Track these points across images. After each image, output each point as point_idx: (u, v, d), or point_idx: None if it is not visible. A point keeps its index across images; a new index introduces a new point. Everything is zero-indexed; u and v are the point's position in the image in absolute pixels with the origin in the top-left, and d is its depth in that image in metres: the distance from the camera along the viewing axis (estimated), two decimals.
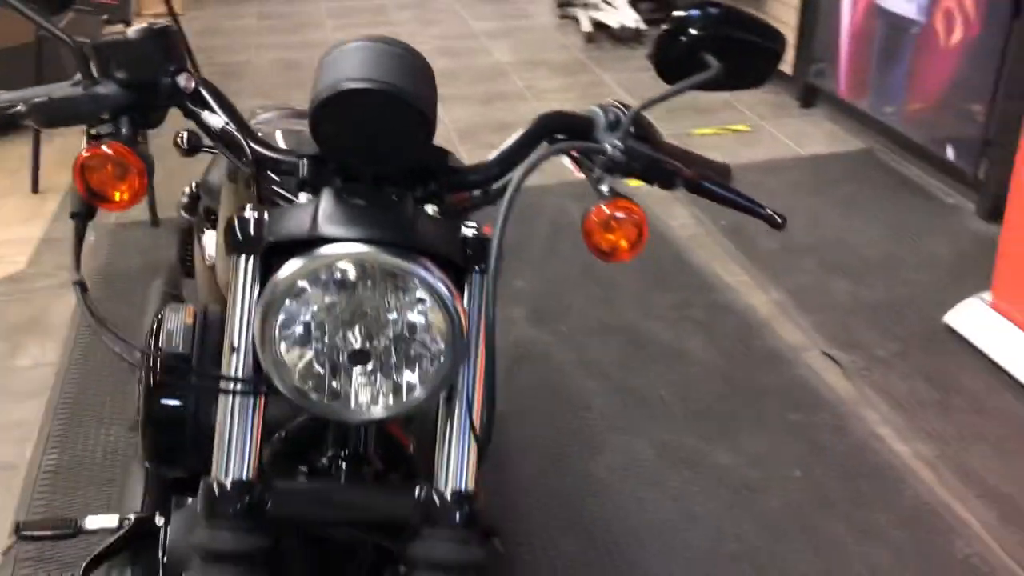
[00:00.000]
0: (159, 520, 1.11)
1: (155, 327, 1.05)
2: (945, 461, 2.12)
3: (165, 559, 1.06)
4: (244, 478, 0.87)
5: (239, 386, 0.86)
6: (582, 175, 0.98)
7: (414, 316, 0.85)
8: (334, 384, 0.85)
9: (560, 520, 1.95)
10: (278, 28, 5.91)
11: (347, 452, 0.98)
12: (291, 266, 0.83)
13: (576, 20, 5.66)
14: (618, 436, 2.20)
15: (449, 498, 0.88)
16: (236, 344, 0.87)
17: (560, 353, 2.52)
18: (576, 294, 2.78)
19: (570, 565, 1.85)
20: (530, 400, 2.33)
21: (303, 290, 0.83)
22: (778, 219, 1.00)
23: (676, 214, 3.26)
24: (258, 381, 0.87)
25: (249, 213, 0.88)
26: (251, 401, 0.87)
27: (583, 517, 1.96)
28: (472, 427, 0.88)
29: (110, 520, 1.21)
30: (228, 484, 0.87)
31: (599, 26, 5.45)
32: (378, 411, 0.86)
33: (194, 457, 1.23)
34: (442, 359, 0.85)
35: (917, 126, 3.59)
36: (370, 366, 0.85)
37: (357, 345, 0.84)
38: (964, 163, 3.32)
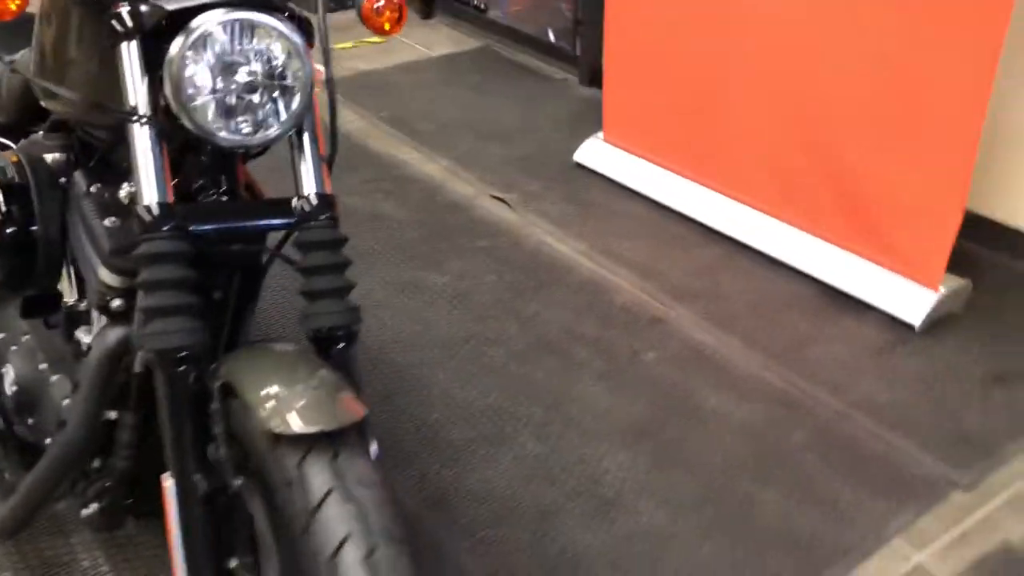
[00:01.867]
0: None
1: None
2: (595, 250, 2.82)
3: None
4: (167, 200, 1.17)
5: (146, 122, 1.12)
6: None
7: (278, 63, 1.19)
8: (229, 122, 1.16)
9: None
10: None
11: (224, 188, 1.30)
12: (179, 41, 1.12)
13: None
14: None
15: (316, 200, 1.25)
16: (135, 104, 1.14)
17: None
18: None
19: None
20: None
21: (191, 54, 1.13)
22: None
23: (341, 114, 3.68)
24: (158, 118, 1.15)
25: (123, 7, 1.14)
26: (155, 135, 1.15)
27: None
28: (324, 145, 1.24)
29: None
30: (155, 207, 1.14)
31: None
32: (258, 139, 1.19)
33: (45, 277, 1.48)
34: (299, 95, 1.21)
35: (522, 20, 4.31)
36: (255, 98, 1.18)
37: (241, 88, 1.16)
38: (564, 44, 4.09)
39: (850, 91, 2.50)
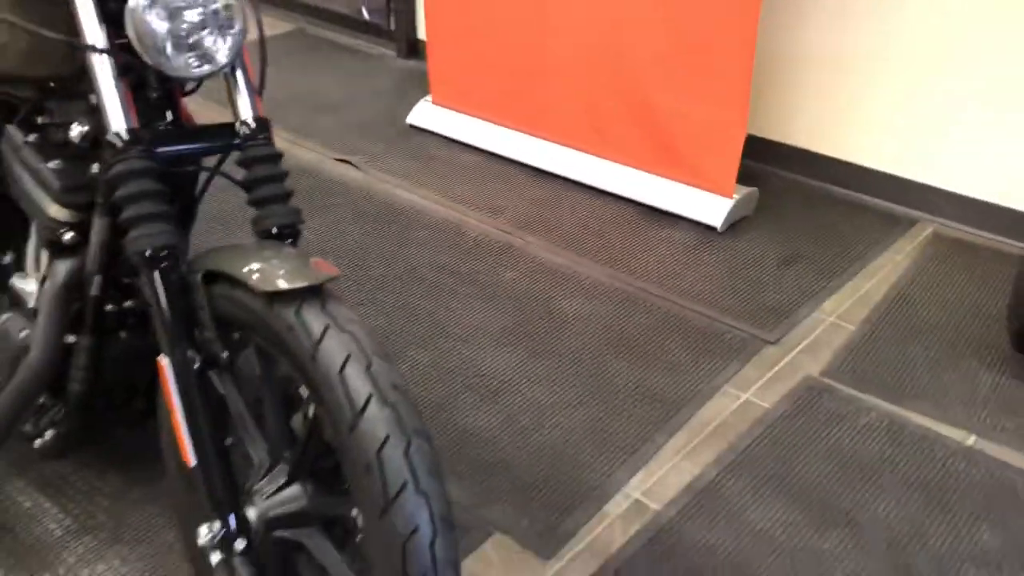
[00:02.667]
0: None
1: None
2: (442, 195, 3.13)
3: None
4: (134, 125, 1.37)
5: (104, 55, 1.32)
6: None
7: (219, 7, 1.40)
8: (181, 57, 1.37)
9: None
10: None
11: (171, 119, 1.49)
12: None
13: None
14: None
15: (254, 123, 1.48)
16: (94, 41, 1.33)
17: None
18: None
19: None
20: None
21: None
22: None
23: None
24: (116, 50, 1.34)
25: None
26: (117, 71, 1.35)
27: None
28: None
29: None
30: (124, 132, 1.34)
31: None
32: (206, 70, 1.40)
33: None
34: (236, 34, 1.42)
35: (333, 0, 4.53)
36: (204, 34, 1.38)
37: (192, 27, 1.36)
38: (378, 20, 4.35)
39: (644, 37, 2.94)
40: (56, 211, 1.52)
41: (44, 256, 1.64)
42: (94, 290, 1.57)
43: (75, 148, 1.51)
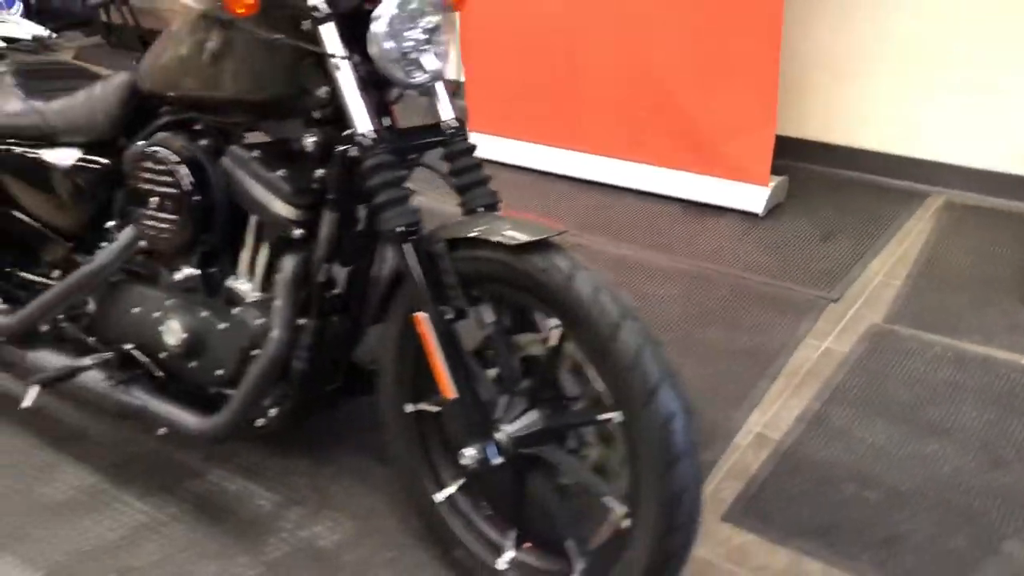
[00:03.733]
0: None
1: None
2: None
3: None
4: (377, 127, 1.64)
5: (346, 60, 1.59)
6: None
7: (435, 21, 1.70)
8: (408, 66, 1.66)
9: None
10: None
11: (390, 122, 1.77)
12: (382, 16, 1.60)
13: None
14: None
15: (455, 122, 1.77)
16: (340, 57, 1.61)
17: None
18: None
19: None
20: None
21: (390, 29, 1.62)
22: None
23: None
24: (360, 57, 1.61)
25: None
26: (361, 81, 1.62)
27: None
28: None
29: None
30: (371, 133, 1.61)
31: None
32: (427, 78, 1.71)
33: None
34: (444, 45, 1.71)
35: None
36: (425, 48, 1.67)
37: (420, 36, 1.67)
38: None
39: (673, 49, 3.31)
40: (287, 211, 1.80)
41: (262, 257, 1.90)
42: (321, 277, 1.85)
43: (305, 156, 1.78)
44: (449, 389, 1.63)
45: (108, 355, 2.02)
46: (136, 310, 2.06)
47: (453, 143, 1.78)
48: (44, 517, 2.08)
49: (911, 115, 3.43)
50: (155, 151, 1.84)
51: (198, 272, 2.00)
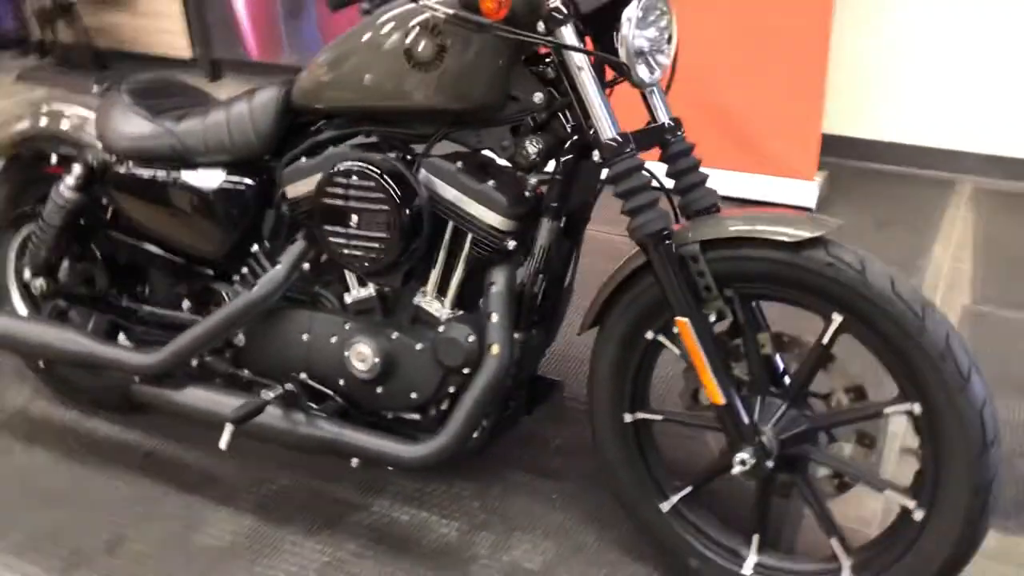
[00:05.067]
0: None
1: None
2: None
3: None
4: (620, 131, 1.59)
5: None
6: None
7: (667, 20, 1.65)
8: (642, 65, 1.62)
9: None
10: None
11: None
12: (629, 18, 1.55)
13: None
14: None
15: (672, 121, 1.73)
16: (580, 66, 1.56)
17: None
18: None
19: None
20: None
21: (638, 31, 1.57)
22: None
23: None
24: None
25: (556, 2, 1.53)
26: (600, 87, 1.58)
27: None
28: None
29: None
30: (617, 136, 1.57)
31: None
32: (658, 76, 1.67)
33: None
34: (673, 44, 1.68)
35: None
36: (663, 49, 1.66)
37: (655, 35, 1.63)
38: None
39: (723, 55, 3.35)
40: (501, 223, 1.72)
41: (457, 273, 1.81)
42: (536, 287, 1.78)
43: (515, 164, 1.71)
44: (717, 395, 1.60)
45: (288, 387, 1.88)
46: (305, 336, 1.93)
47: (674, 143, 1.75)
48: (213, 565, 1.93)
49: (935, 108, 3.58)
50: (357, 166, 1.73)
51: (372, 293, 1.90)
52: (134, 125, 2.01)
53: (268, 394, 1.85)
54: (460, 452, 1.78)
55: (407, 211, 1.72)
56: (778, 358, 1.72)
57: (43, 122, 2.18)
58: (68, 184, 2.06)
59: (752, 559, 1.73)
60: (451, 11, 1.57)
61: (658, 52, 1.65)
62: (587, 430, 2.22)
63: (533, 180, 1.75)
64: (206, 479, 2.19)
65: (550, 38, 1.57)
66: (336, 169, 1.75)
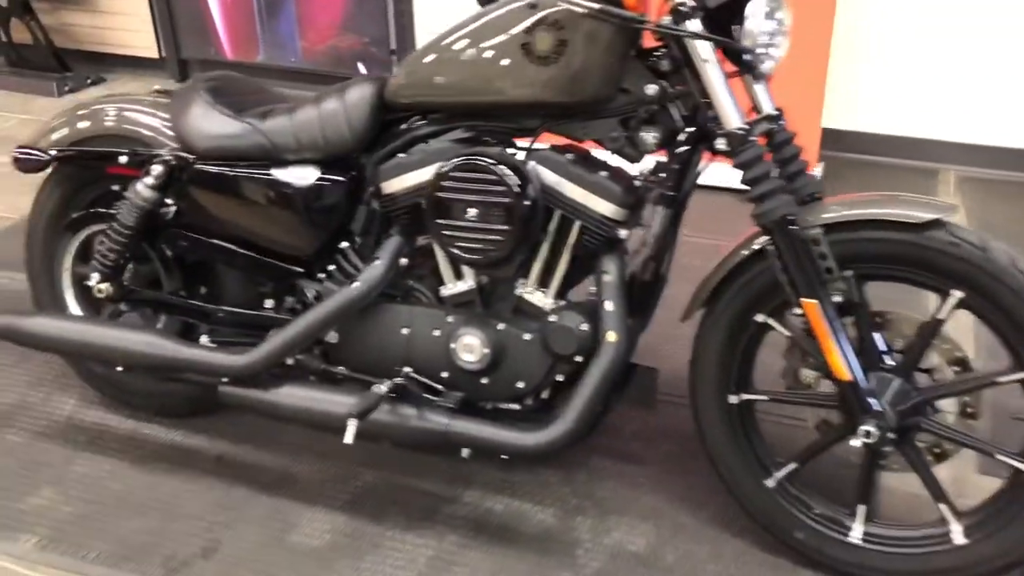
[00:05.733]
0: None
1: None
2: None
3: None
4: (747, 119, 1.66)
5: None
6: None
7: (784, 11, 1.70)
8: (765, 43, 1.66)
9: None
10: None
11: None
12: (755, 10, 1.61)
13: None
14: None
15: (776, 111, 1.79)
16: (706, 57, 1.62)
17: None
18: None
19: None
20: None
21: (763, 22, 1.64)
22: None
23: None
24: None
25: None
26: (723, 74, 1.65)
27: None
28: None
29: None
30: (743, 125, 1.63)
31: None
32: (773, 65, 1.70)
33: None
34: (787, 31, 1.71)
35: (322, 59, 4.65)
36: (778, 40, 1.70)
37: (776, 26, 1.67)
38: (378, 73, 4.54)
39: None
40: (614, 212, 1.76)
41: (562, 263, 1.85)
42: (648, 275, 1.83)
43: (623, 154, 1.77)
44: (844, 372, 1.68)
45: (399, 381, 1.88)
46: (405, 331, 1.93)
47: (779, 132, 1.81)
48: (316, 565, 1.92)
49: (919, 99, 3.76)
50: (476, 160, 1.75)
51: (472, 285, 1.92)
52: (218, 124, 1.98)
53: (380, 388, 1.85)
54: (580, 438, 1.82)
55: (526, 202, 1.74)
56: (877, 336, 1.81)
57: (108, 122, 2.12)
58: (148, 183, 2.01)
59: (859, 528, 1.82)
60: (596, 5, 1.60)
61: (773, 45, 1.71)
62: (656, 416, 2.32)
63: (639, 170, 1.80)
64: (286, 479, 2.17)
65: (695, 31, 1.62)
66: (453, 163, 1.77)
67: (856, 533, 1.82)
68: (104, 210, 2.13)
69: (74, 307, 2.31)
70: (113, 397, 2.39)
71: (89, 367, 2.34)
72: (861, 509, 1.82)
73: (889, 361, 1.75)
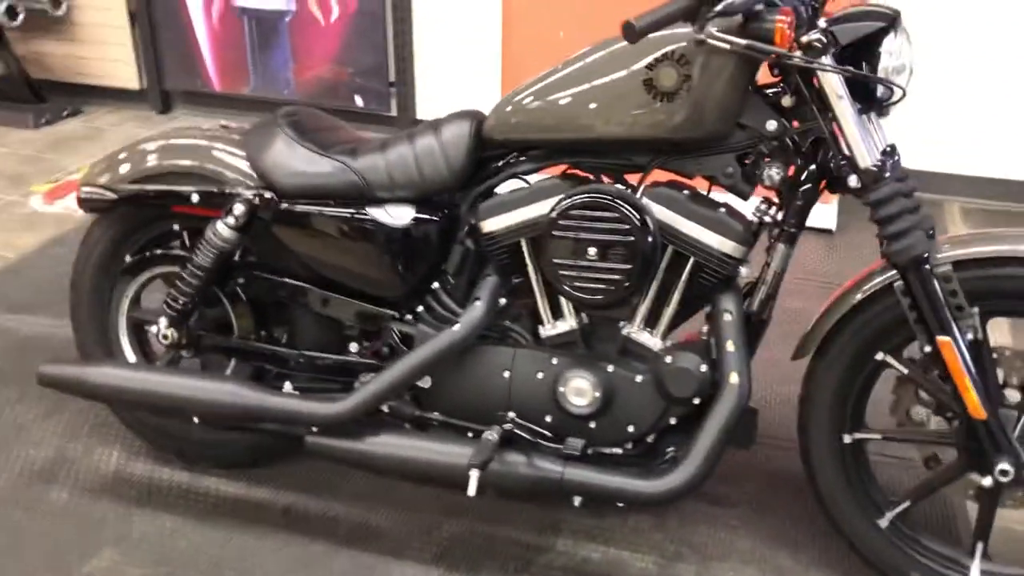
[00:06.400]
0: None
1: None
2: None
3: None
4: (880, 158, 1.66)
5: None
6: None
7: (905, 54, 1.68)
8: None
9: None
10: None
11: None
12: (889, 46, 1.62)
13: None
14: None
15: (891, 145, 1.79)
16: (841, 95, 1.61)
17: None
18: None
19: None
20: None
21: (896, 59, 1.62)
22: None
23: None
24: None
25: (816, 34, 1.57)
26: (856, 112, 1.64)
27: None
28: None
29: None
30: (878, 162, 1.63)
31: None
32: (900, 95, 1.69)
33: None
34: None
35: (317, 90, 4.54)
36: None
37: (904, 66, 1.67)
38: (376, 106, 4.46)
39: None
40: (734, 250, 1.73)
41: (671, 304, 1.80)
42: (766, 314, 1.79)
43: (737, 191, 1.74)
44: (979, 410, 1.66)
45: (507, 427, 1.81)
46: (507, 374, 1.86)
47: (898, 167, 1.80)
48: None
49: (924, 134, 3.85)
50: (597, 198, 1.69)
51: (574, 325, 1.86)
52: (305, 161, 1.89)
53: (492, 436, 1.77)
54: (701, 484, 1.77)
55: (649, 240, 1.70)
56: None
57: (175, 159, 2.01)
58: (229, 223, 1.90)
59: (978, 566, 1.80)
60: (743, 42, 1.57)
61: (901, 74, 1.70)
62: (739, 454, 2.27)
63: (764, 205, 1.78)
64: (363, 531, 2.06)
65: (840, 66, 1.60)
66: (573, 200, 1.71)
67: (975, 571, 1.80)
68: (176, 252, 2.02)
69: (130, 355, 2.17)
70: (163, 448, 2.25)
71: (140, 417, 2.20)
72: (979, 547, 1.81)
73: (1011, 398, 1.74)
